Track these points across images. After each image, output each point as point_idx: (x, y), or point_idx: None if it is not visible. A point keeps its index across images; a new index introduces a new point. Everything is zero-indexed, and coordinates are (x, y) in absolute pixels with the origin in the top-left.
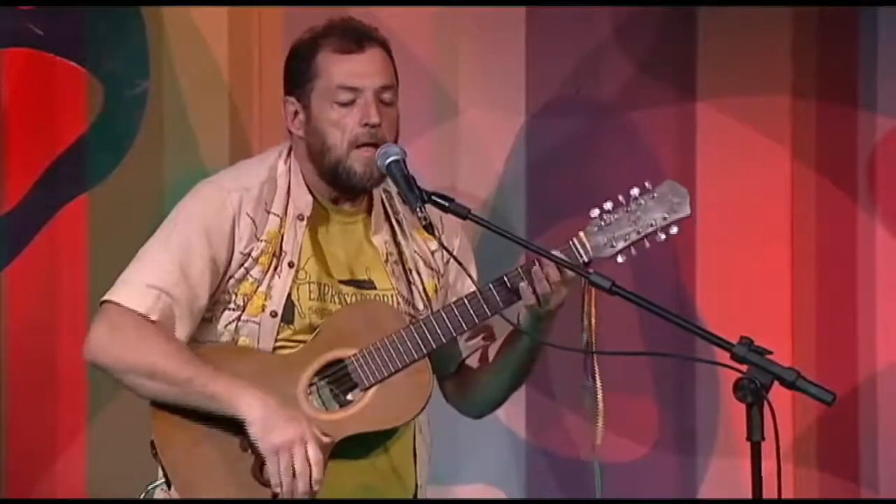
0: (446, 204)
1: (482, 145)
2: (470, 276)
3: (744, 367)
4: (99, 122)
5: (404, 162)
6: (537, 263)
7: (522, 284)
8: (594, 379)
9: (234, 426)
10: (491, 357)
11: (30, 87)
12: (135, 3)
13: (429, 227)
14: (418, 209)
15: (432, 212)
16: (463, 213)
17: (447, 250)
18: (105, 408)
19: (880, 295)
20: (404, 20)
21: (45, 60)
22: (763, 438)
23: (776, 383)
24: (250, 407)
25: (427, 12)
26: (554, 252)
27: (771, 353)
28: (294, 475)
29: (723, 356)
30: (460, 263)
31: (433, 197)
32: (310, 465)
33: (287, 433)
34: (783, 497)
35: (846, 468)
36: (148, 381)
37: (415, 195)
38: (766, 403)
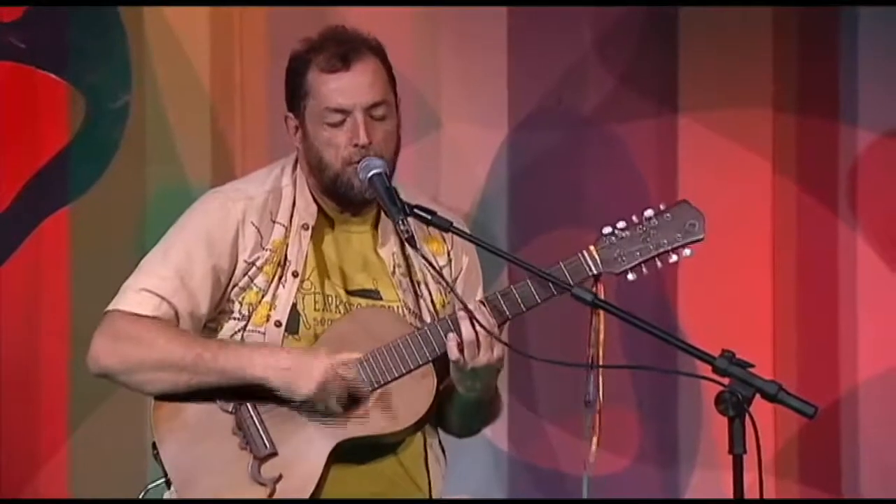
0: (429, 217)
1: (464, 158)
2: (456, 296)
3: (726, 381)
4: (81, 134)
5: (387, 175)
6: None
7: (451, 334)
8: (597, 395)
9: (233, 425)
10: None
11: (12, 100)
12: (115, 3)
13: (410, 241)
14: (400, 222)
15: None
16: (445, 226)
17: (435, 269)
18: (88, 418)
19: (861, 307)
20: (385, 33)
21: (27, 73)
22: (745, 451)
23: (758, 396)
24: (265, 369)
25: (408, 25)
26: (561, 263)
27: (752, 366)
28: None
29: (704, 369)
30: (448, 283)
31: (415, 210)
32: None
33: (314, 377)
34: None
35: (828, 481)
36: (157, 374)
37: (397, 208)
38: (747, 416)
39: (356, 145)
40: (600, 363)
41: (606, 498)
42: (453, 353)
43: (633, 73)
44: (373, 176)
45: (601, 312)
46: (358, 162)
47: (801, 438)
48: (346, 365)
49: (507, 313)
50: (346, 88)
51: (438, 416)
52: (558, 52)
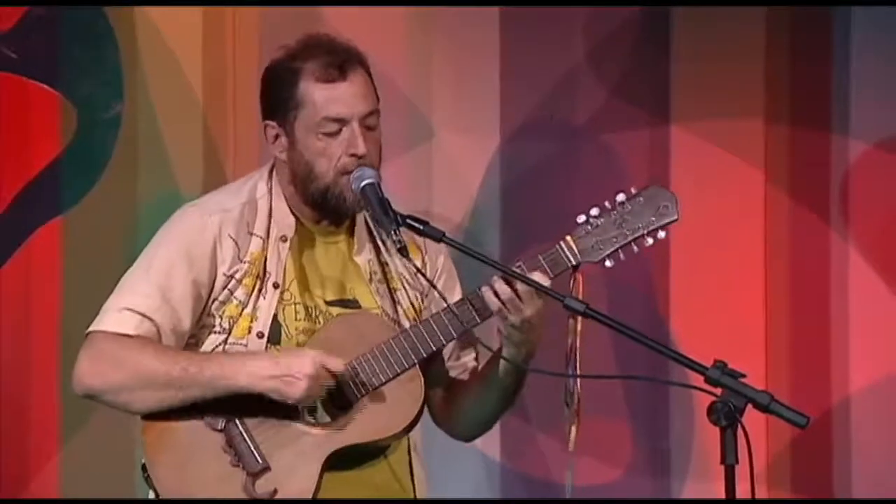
0: (421, 227)
1: (457, 168)
2: (444, 300)
3: (718, 391)
4: (73, 145)
5: (379, 185)
6: (499, 279)
7: (485, 289)
8: (574, 398)
9: (223, 443)
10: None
11: (3, 111)
12: (108, 3)
13: (403, 251)
14: (393, 232)
15: (413, 232)
16: (437, 236)
17: (421, 273)
18: (79, 430)
19: (853, 318)
20: (378, 43)
21: (18, 84)
22: (737, 462)
23: (750, 406)
24: (254, 378)
25: (401, 35)
26: (540, 256)
27: (744, 376)
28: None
29: (697, 379)
30: (434, 286)
31: (408, 220)
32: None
33: (302, 375)
34: None
35: (820, 491)
36: (143, 392)
37: (389, 218)
38: (739, 426)
39: (353, 155)
40: (577, 364)
41: (596, 498)
42: (494, 305)
43: (626, 83)
44: (365, 186)
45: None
46: (351, 172)
47: (793, 448)
48: (333, 360)
49: (477, 319)
50: (344, 98)
51: (449, 418)
52: (551, 63)
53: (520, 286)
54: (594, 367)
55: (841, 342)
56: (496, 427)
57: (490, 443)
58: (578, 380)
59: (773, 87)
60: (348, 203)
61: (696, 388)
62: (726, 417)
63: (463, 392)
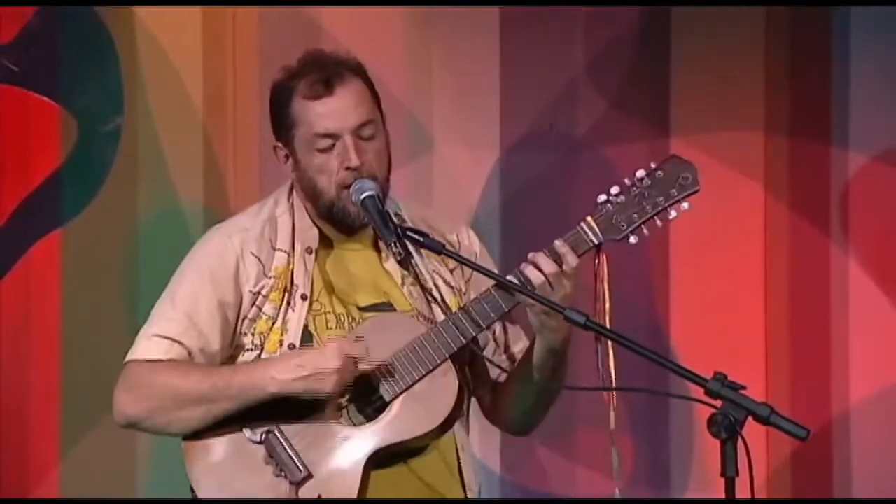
0: (421, 239)
1: (457, 180)
2: (443, 307)
3: (718, 403)
4: (72, 157)
5: (379, 197)
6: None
7: (511, 277)
8: (608, 371)
9: (264, 455)
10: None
11: (3, 123)
12: (108, 3)
13: (403, 262)
14: (392, 244)
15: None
16: (437, 249)
17: (436, 292)
18: (79, 442)
19: (853, 330)
20: (377, 55)
21: (18, 96)
22: (737, 474)
23: (750, 419)
24: (280, 381)
25: (401, 47)
26: (558, 241)
27: (744, 388)
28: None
29: (697, 391)
30: (442, 304)
31: (408, 232)
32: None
33: (331, 374)
34: None
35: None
36: (177, 412)
37: (389, 230)
38: (740, 439)
39: (348, 168)
40: (607, 320)
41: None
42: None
43: (625, 96)
44: (365, 198)
45: (604, 271)
46: (350, 185)
47: (793, 461)
48: (355, 345)
49: (504, 308)
50: (332, 113)
51: (500, 414)
52: (551, 75)
53: (547, 269)
54: (593, 379)
55: (841, 354)
56: (496, 438)
57: (490, 454)
58: (612, 361)
59: (772, 100)
60: (352, 218)
61: (696, 400)
62: (726, 430)
63: (509, 386)
